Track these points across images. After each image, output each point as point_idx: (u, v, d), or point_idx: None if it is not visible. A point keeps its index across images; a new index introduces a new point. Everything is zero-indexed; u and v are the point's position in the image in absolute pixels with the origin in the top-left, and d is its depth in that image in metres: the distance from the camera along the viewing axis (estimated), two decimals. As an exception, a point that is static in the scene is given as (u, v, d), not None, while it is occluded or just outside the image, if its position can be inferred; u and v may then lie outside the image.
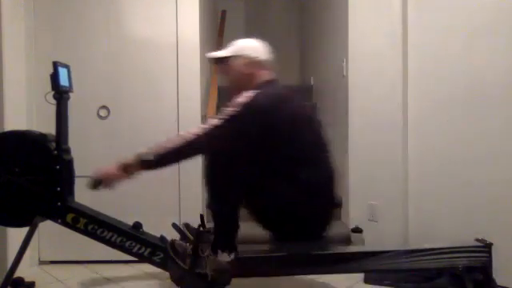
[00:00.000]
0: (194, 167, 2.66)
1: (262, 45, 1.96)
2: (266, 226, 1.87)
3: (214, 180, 1.77)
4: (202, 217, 1.79)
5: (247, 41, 1.96)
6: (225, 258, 1.70)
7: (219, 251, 1.71)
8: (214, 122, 1.70)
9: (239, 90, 1.80)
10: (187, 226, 1.83)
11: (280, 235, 1.87)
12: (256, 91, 1.76)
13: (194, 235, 1.75)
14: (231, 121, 1.68)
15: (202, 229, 1.75)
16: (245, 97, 1.72)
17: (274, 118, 1.72)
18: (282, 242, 1.87)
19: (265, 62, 1.92)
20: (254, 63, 1.89)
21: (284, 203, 1.74)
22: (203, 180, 1.85)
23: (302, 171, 1.75)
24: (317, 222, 1.84)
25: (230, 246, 1.75)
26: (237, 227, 1.80)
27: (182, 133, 1.74)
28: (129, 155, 1.76)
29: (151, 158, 1.70)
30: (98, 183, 1.77)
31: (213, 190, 1.78)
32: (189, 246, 1.72)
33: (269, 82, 1.87)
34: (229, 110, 1.70)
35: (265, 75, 1.90)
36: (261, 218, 1.86)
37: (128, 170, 1.74)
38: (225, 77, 1.99)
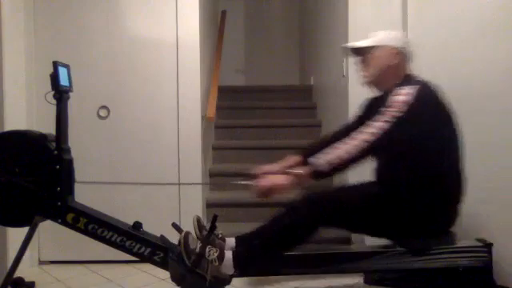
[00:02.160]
0: (194, 167, 2.67)
1: (403, 36, 1.87)
2: (391, 234, 1.79)
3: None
4: (214, 218, 1.69)
5: (391, 31, 1.88)
6: (228, 271, 1.67)
7: (230, 263, 1.66)
8: (382, 125, 1.59)
9: (382, 82, 1.75)
10: (199, 220, 1.79)
11: (406, 236, 1.80)
12: (414, 86, 1.65)
13: (204, 235, 1.72)
14: (401, 123, 1.59)
15: (213, 230, 1.69)
16: (406, 94, 1.62)
17: (438, 117, 1.66)
18: (407, 241, 1.80)
19: (410, 54, 1.84)
20: (401, 54, 1.80)
21: (424, 206, 1.69)
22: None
23: (448, 171, 1.71)
24: (447, 219, 1.79)
25: (244, 269, 1.69)
26: (269, 261, 1.73)
27: (348, 139, 1.62)
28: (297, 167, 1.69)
29: (325, 169, 1.60)
30: (267, 193, 1.67)
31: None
32: (198, 244, 1.69)
33: (413, 76, 1.78)
34: (393, 111, 1.60)
35: (408, 67, 1.82)
36: (387, 228, 1.76)
37: (299, 180, 1.64)
38: (365, 68, 1.87)
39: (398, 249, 1.78)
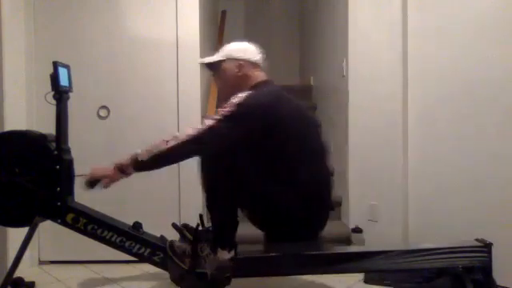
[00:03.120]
0: (194, 167, 2.66)
1: (252, 46, 1.95)
2: (260, 226, 1.88)
3: (209, 180, 1.78)
4: (201, 216, 1.79)
5: (237, 43, 1.95)
6: (225, 255, 1.70)
7: (219, 249, 1.71)
8: (209, 122, 1.68)
9: (232, 92, 1.80)
10: (186, 226, 1.83)
11: (274, 235, 1.88)
12: (251, 91, 1.76)
13: (192, 235, 1.74)
14: (226, 121, 1.67)
15: (200, 228, 1.74)
16: (239, 97, 1.72)
17: (270, 117, 1.71)
18: (275, 243, 1.87)
19: (257, 63, 1.91)
20: (247, 65, 1.88)
21: (279, 203, 1.74)
22: (200, 180, 1.85)
23: (297, 171, 1.75)
24: (312, 222, 1.84)
25: (229, 244, 1.75)
26: (235, 225, 1.81)
27: (176, 134, 1.72)
28: (125, 156, 1.76)
29: (145, 159, 1.69)
30: (94, 183, 1.78)
31: (209, 189, 1.79)
32: (188, 247, 1.71)
33: (264, 83, 1.87)
34: (224, 111, 1.70)
35: (259, 76, 1.89)
36: (255, 219, 1.86)
37: (123, 170, 1.74)
38: (219, 82, 1.99)
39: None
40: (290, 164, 1.75)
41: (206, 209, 1.98)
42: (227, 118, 1.68)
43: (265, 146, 1.72)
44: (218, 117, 1.69)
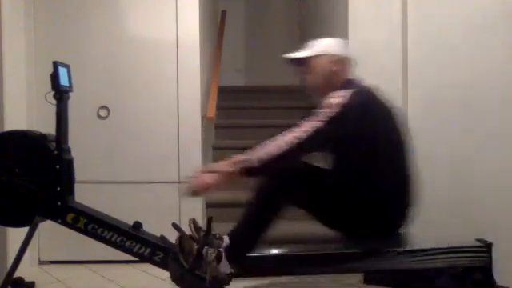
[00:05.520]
0: (194, 166, 2.66)
1: (343, 42, 1.93)
2: (336, 225, 1.84)
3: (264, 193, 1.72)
4: (209, 220, 1.71)
5: (329, 39, 1.94)
6: (226, 269, 1.67)
7: (225, 260, 1.66)
8: (314, 124, 1.63)
9: (323, 89, 1.78)
10: (194, 222, 1.80)
11: (352, 234, 1.84)
12: (349, 90, 1.71)
13: (200, 236, 1.72)
14: (334, 122, 1.63)
15: (209, 232, 1.71)
16: (340, 96, 1.68)
17: (371, 117, 1.69)
18: (354, 240, 1.84)
19: (349, 60, 1.88)
20: (340, 61, 1.85)
21: (363, 203, 1.72)
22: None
23: (384, 171, 1.74)
24: (391, 221, 1.83)
25: (237, 261, 1.70)
26: (254, 248, 1.75)
27: (280, 136, 1.66)
28: (223, 162, 1.68)
29: (255, 165, 1.62)
30: (197, 192, 1.71)
31: (258, 201, 1.73)
32: (195, 246, 1.69)
33: (353, 81, 1.83)
34: (326, 111, 1.65)
35: (349, 73, 1.87)
36: (333, 218, 1.81)
37: (229, 178, 1.67)
38: (306, 77, 1.92)
39: (357, 251, 1.80)
40: (379, 164, 1.73)
41: (206, 210, 1.97)
42: (333, 120, 1.63)
43: (354, 145, 1.70)
44: (321, 118, 1.64)
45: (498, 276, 1.83)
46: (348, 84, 1.79)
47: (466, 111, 2.24)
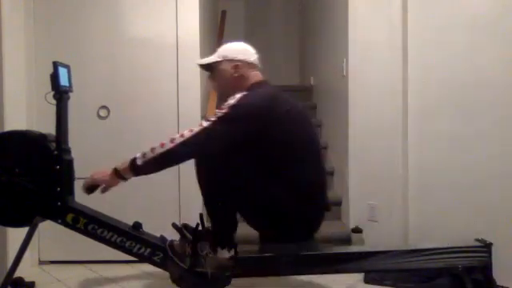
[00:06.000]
0: (194, 167, 2.66)
1: (248, 46, 1.94)
2: (255, 226, 1.89)
3: (207, 181, 1.79)
4: (201, 216, 1.79)
5: (233, 44, 1.95)
6: (224, 254, 1.70)
7: (219, 248, 1.71)
8: (204, 124, 1.68)
9: (230, 93, 1.79)
10: (186, 226, 1.83)
11: (268, 236, 1.88)
12: (246, 92, 1.76)
13: (191, 234, 1.75)
14: (221, 123, 1.67)
15: (200, 228, 1.75)
16: (235, 98, 1.72)
17: (266, 118, 1.71)
18: (270, 243, 1.87)
19: (253, 64, 1.91)
20: (243, 65, 1.87)
21: (274, 204, 1.75)
22: (197, 180, 1.86)
23: (293, 172, 1.75)
24: (306, 223, 1.85)
25: (229, 243, 1.74)
26: (235, 224, 1.82)
27: (172, 136, 1.71)
28: (124, 159, 1.75)
29: (141, 163, 1.68)
30: (92, 188, 1.79)
31: (207, 190, 1.81)
32: (188, 247, 1.71)
33: (260, 84, 1.87)
34: (219, 112, 1.70)
35: (255, 77, 1.89)
36: (251, 219, 1.87)
37: (121, 175, 1.73)
38: (216, 83, 1.98)
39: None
40: (285, 164, 1.75)
41: (204, 208, 1.98)
42: (222, 120, 1.67)
43: (260, 146, 1.72)
44: (213, 118, 1.69)
45: (498, 276, 1.83)
46: (252, 87, 1.83)
47: (467, 112, 2.24)
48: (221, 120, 1.67)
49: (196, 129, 1.68)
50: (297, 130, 1.80)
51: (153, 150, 1.69)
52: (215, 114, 1.71)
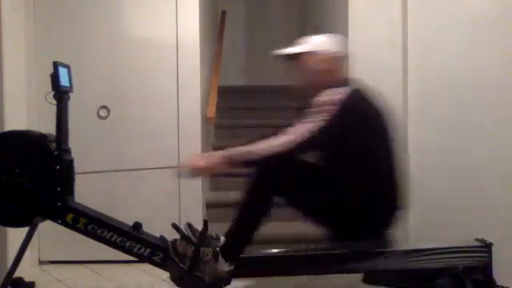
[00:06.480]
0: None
1: (338, 39, 1.87)
2: (325, 224, 1.83)
3: (251, 190, 1.73)
4: (205, 222, 1.75)
5: (324, 36, 1.88)
6: (224, 267, 1.68)
7: (220, 259, 1.68)
8: (310, 128, 1.63)
9: (313, 87, 1.75)
10: (190, 226, 1.81)
11: (339, 234, 1.83)
12: (341, 90, 1.68)
13: (196, 237, 1.73)
14: (327, 126, 1.62)
15: (204, 233, 1.72)
16: (332, 96, 1.66)
17: (362, 118, 1.69)
18: (339, 241, 1.84)
19: (343, 59, 1.85)
20: (332, 60, 1.81)
21: (351, 201, 1.72)
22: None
23: (373, 171, 1.73)
24: (379, 222, 1.82)
25: (233, 258, 1.71)
26: (250, 243, 1.75)
27: (273, 138, 1.68)
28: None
29: (237, 160, 1.66)
30: (195, 174, 1.77)
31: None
32: (190, 248, 1.71)
33: (347, 80, 1.80)
34: (320, 112, 1.64)
35: (342, 72, 1.83)
36: (321, 216, 1.81)
37: (218, 164, 1.69)
38: (297, 74, 1.89)
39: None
40: (366, 164, 1.72)
41: (206, 211, 1.97)
42: (328, 123, 1.62)
43: (343, 145, 1.69)
44: (316, 119, 1.63)
45: (498, 276, 1.83)
46: (340, 83, 1.75)
47: (466, 110, 2.24)
48: (327, 123, 1.62)
49: (298, 131, 1.64)
50: (379, 129, 1.77)
51: (251, 149, 1.66)
52: (311, 113, 1.65)
